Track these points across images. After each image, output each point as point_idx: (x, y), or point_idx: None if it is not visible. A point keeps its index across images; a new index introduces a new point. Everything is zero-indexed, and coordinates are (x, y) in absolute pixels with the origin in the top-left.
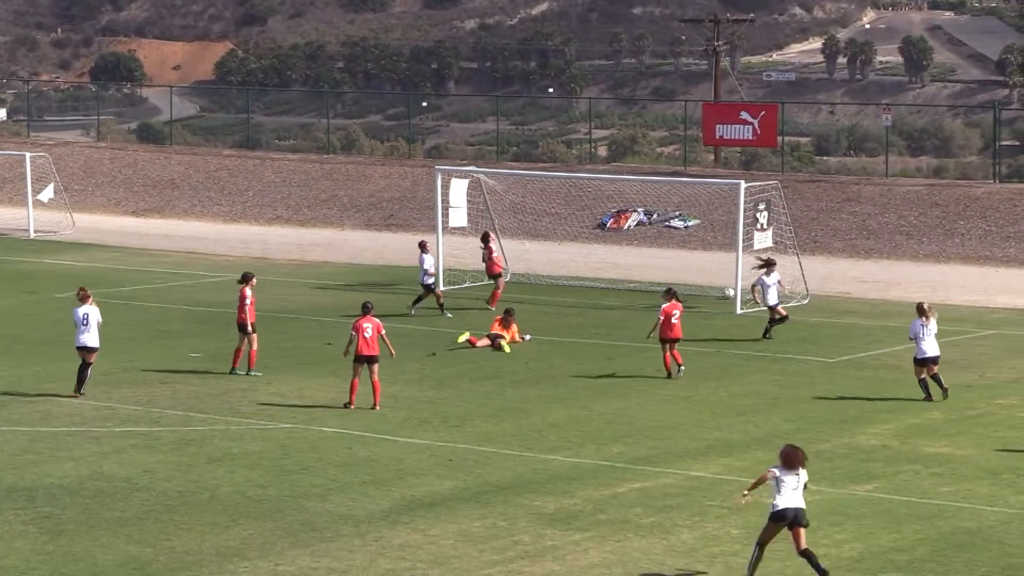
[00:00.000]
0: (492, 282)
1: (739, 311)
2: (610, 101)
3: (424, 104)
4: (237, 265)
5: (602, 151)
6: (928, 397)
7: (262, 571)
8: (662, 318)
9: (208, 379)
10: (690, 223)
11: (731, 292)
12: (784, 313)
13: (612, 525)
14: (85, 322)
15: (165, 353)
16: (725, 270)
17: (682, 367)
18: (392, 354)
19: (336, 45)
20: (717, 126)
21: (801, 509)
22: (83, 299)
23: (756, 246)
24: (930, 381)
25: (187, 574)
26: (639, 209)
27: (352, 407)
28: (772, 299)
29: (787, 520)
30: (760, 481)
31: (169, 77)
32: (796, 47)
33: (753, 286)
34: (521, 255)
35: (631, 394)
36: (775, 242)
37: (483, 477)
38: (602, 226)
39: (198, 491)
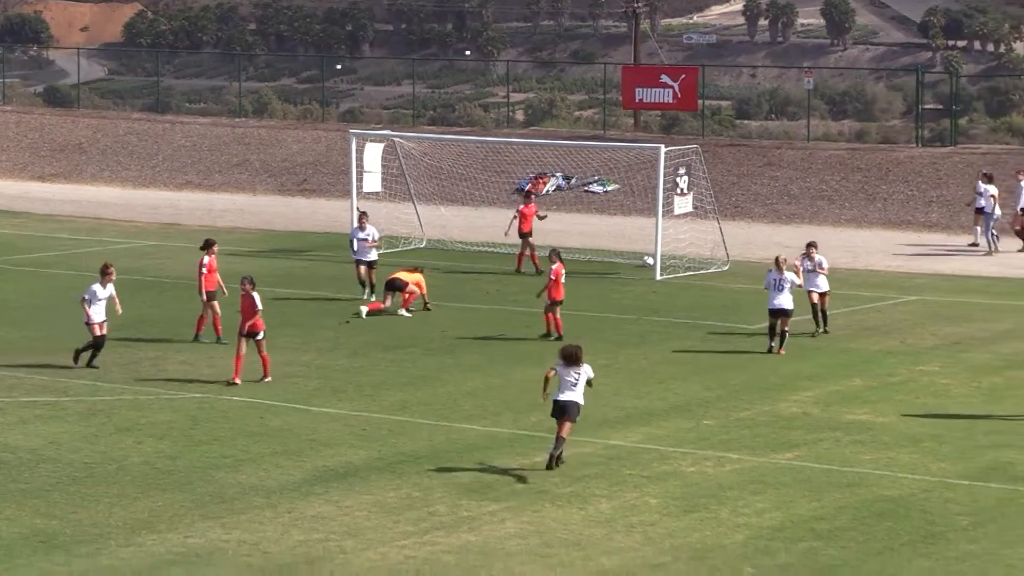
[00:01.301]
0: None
1: (659, 277)
2: (528, 64)
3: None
4: (146, 231)
5: (520, 115)
6: (770, 349)
7: (171, 543)
8: (553, 279)
9: (116, 348)
10: (609, 188)
11: (650, 259)
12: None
13: (529, 495)
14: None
15: (73, 321)
16: (645, 236)
17: (561, 336)
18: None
19: (248, 7)
20: (637, 90)
21: (574, 403)
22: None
23: (676, 211)
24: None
25: (94, 547)
26: (557, 174)
27: (237, 382)
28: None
29: (558, 410)
30: (546, 381)
31: (77, 39)
32: (717, 9)
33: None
34: (437, 220)
35: (549, 361)
36: (695, 207)
37: (398, 447)
38: (520, 191)
39: (105, 462)
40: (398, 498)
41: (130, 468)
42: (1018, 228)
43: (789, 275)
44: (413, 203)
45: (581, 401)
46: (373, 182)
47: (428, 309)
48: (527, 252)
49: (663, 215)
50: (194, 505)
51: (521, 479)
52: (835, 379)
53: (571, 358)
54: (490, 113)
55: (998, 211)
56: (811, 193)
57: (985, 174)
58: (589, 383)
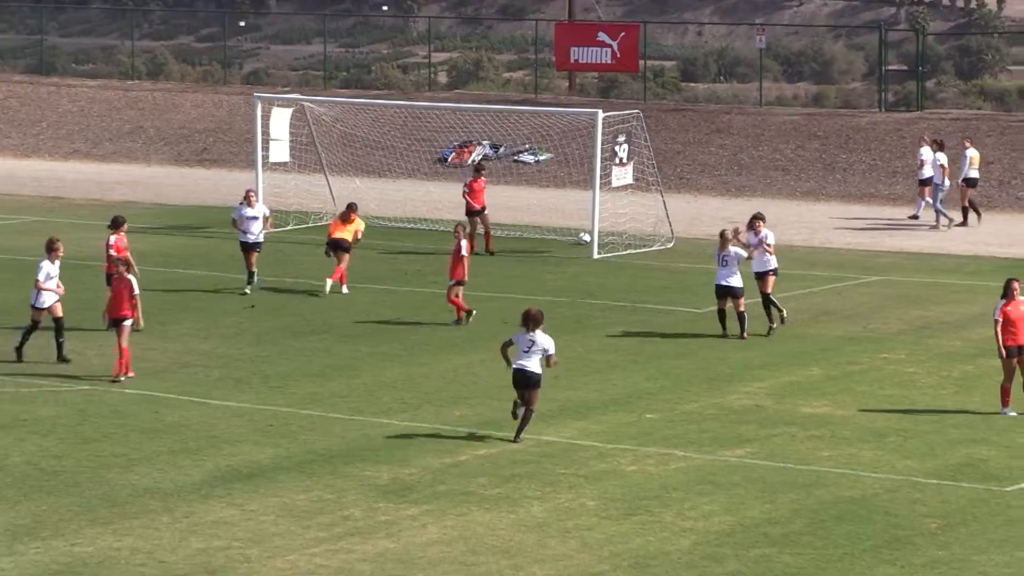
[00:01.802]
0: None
1: (596, 256)
2: (451, 21)
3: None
4: (29, 205)
5: (443, 77)
6: (724, 335)
7: (56, 552)
8: (466, 256)
9: None
10: (541, 157)
11: (586, 236)
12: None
13: (453, 497)
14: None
15: None
16: (580, 210)
17: (460, 320)
18: (139, 325)
19: None
20: (571, 49)
21: (530, 372)
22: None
23: (615, 183)
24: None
25: None
26: (484, 142)
27: (122, 377)
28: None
29: (518, 378)
30: (506, 347)
31: None
32: None
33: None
34: (351, 193)
35: (474, 350)
36: (636, 179)
37: (308, 444)
38: (442, 161)
39: None
40: (308, 501)
41: (10, 468)
42: (966, 204)
43: (734, 249)
44: (324, 174)
45: (537, 370)
46: (280, 151)
47: (357, 240)
48: (481, 231)
49: (600, 187)
50: (82, 509)
51: (445, 479)
52: (790, 368)
53: (526, 319)
54: (410, 75)
55: (947, 182)
56: (764, 163)
57: (935, 140)
58: (548, 360)
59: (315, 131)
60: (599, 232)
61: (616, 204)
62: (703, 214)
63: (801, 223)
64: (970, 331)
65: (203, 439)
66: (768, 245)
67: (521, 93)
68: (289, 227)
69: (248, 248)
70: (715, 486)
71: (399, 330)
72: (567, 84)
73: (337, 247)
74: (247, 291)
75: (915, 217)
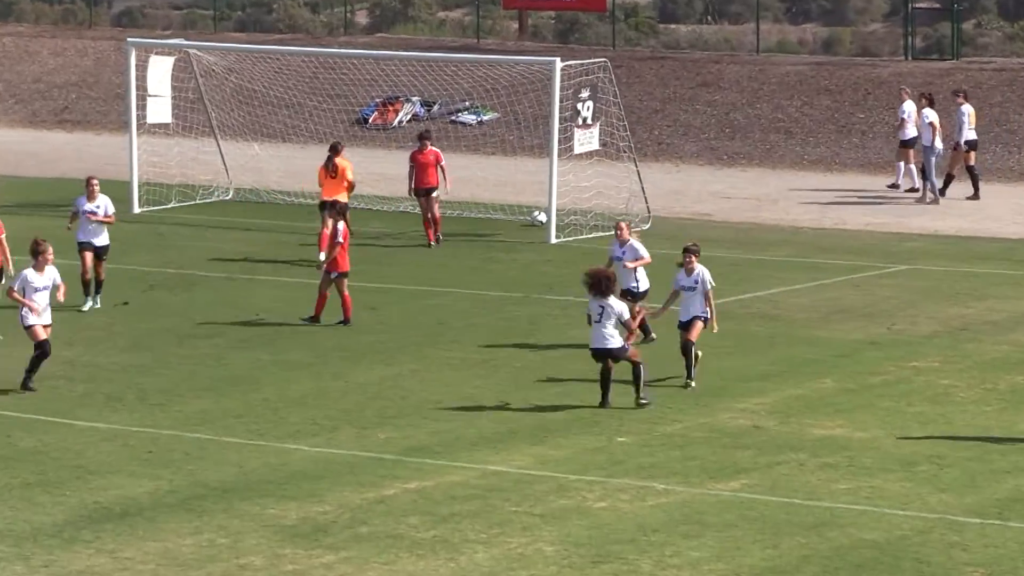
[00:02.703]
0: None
1: (553, 240)
2: None
3: None
4: None
5: (362, 18)
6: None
7: None
8: (342, 242)
9: None
10: (485, 118)
11: (542, 216)
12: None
13: (378, 541)
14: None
15: None
16: (535, 183)
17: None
18: None
19: None
20: None
21: (606, 349)
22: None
23: (577, 149)
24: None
25: None
26: (414, 99)
27: None
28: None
29: (599, 359)
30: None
31: None
32: None
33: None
34: (249, 162)
35: (403, 358)
36: (603, 144)
37: (196, 475)
38: (362, 122)
39: None
40: (197, 546)
41: None
42: (969, 164)
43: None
44: (215, 138)
45: (616, 342)
46: (160, 110)
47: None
48: (431, 215)
49: (560, 155)
50: None
51: (367, 519)
52: (797, 379)
53: (595, 283)
54: (320, 16)
55: (939, 143)
56: (762, 124)
57: (923, 94)
58: (624, 324)
59: (203, 85)
60: (558, 211)
61: (579, 175)
62: (688, 188)
63: (809, 198)
64: (1020, 333)
65: (66, 469)
66: (706, 287)
67: (460, 38)
68: (171, 204)
69: (88, 249)
70: (704, 527)
71: (309, 333)
72: (517, 26)
73: (330, 209)
74: (86, 308)
75: (895, 186)
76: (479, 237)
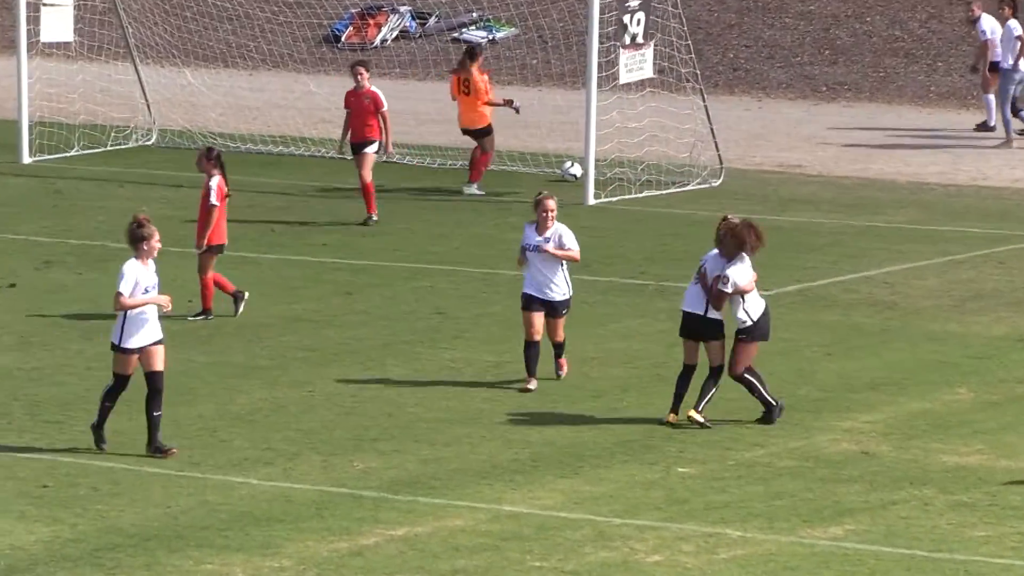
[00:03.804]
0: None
1: (592, 200)
2: None
3: None
4: None
5: None
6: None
7: None
8: (219, 204)
9: None
10: (500, 34)
11: (576, 168)
12: None
13: None
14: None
15: None
16: (566, 125)
17: (206, 314)
18: None
19: None
20: None
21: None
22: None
23: (624, 78)
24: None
25: None
26: (402, 8)
27: None
28: None
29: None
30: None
31: None
32: None
33: None
34: (179, 95)
35: (389, 360)
36: (659, 70)
37: (108, 519)
38: (333, 40)
39: None
40: None
41: None
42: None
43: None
44: (133, 63)
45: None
46: (58, 25)
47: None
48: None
49: (600, 85)
50: None
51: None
52: (921, 389)
53: (735, 238)
54: None
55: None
56: (874, 44)
57: (1003, 2)
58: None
59: None
60: (598, 162)
61: (626, 113)
62: (773, 130)
63: (937, 146)
64: None
65: None
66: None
67: None
68: (74, 152)
69: None
70: None
71: (259, 328)
72: None
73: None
74: None
75: (987, 127)
76: (491, 197)
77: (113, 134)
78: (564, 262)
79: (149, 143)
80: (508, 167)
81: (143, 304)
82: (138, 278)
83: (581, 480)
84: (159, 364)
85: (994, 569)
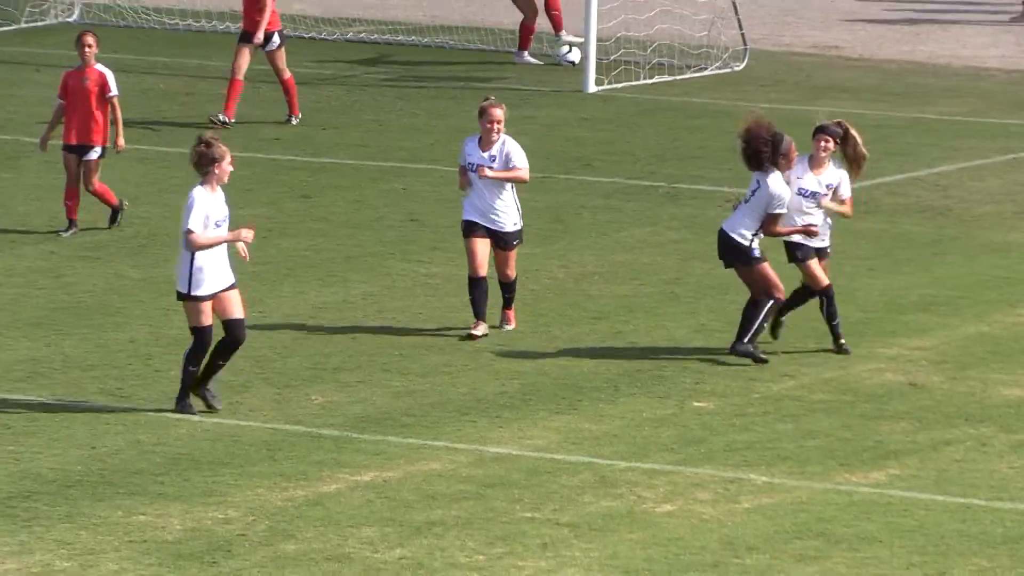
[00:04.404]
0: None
1: (591, 87)
2: None
3: None
4: None
5: None
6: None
7: None
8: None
9: None
10: None
11: (572, 51)
12: None
13: (312, 567)
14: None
15: None
16: None
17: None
18: None
19: None
20: None
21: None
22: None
23: None
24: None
25: None
26: None
27: None
28: None
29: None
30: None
31: None
32: None
33: None
34: None
35: (353, 275)
36: None
37: (22, 463)
38: None
39: None
40: (24, 574)
41: None
42: None
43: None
44: None
45: (742, 238)
46: None
47: None
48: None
49: None
50: None
51: (297, 529)
52: (978, 310)
53: (757, 141)
54: None
55: None
56: None
57: None
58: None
59: None
60: (600, 42)
61: None
62: (806, 4)
63: (998, 23)
64: None
65: None
66: (840, 194)
67: None
68: None
69: None
70: (831, 542)
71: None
72: None
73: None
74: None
75: None
76: (473, 82)
77: (28, 9)
78: (512, 184)
79: (71, 20)
80: (494, 48)
81: (219, 242)
82: (208, 210)
83: (580, 417)
84: (238, 310)
85: None
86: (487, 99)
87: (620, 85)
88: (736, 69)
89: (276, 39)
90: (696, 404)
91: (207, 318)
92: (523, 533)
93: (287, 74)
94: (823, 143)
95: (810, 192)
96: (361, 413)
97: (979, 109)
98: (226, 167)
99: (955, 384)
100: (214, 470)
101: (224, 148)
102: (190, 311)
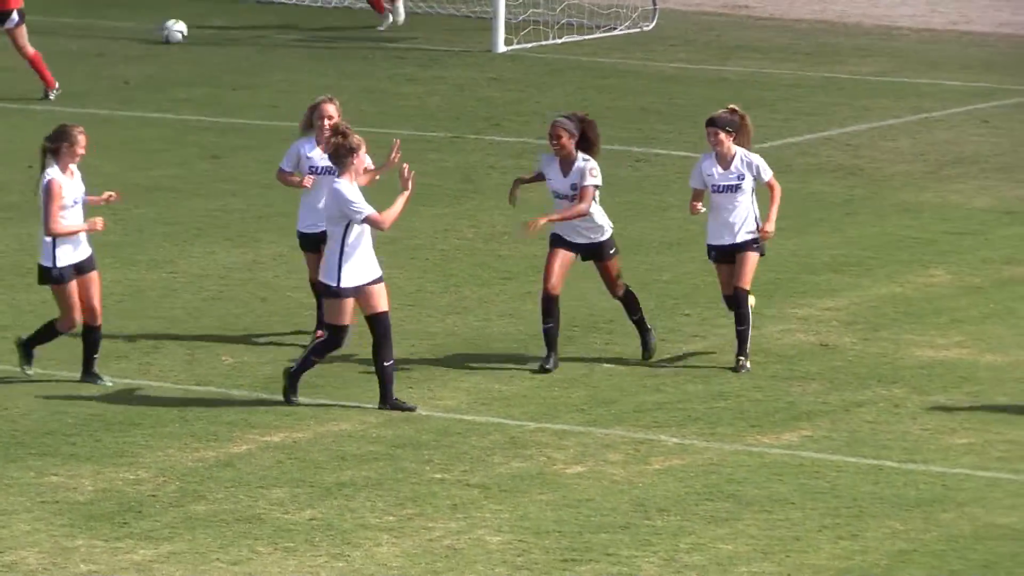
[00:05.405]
0: None
1: (500, 47)
2: None
3: None
4: None
5: None
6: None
7: None
8: None
9: None
10: None
11: (179, 25)
12: None
13: (222, 528)
14: None
15: None
16: None
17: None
18: None
19: None
20: None
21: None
22: None
23: None
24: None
25: None
26: None
27: None
28: None
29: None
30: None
31: None
32: None
33: None
34: None
35: (263, 235)
36: None
37: None
38: None
39: None
40: None
41: None
42: None
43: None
44: None
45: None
46: None
47: None
48: None
49: None
50: None
51: (209, 492)
52: (890, 270)
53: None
54: None
55: None
56: None
57: None
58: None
59: None
60: (508, 1)
61: None
62: None
63: None
64: None
65: None
66: (759, 174)
67: None
68: None
69: None
70: (741, 504)
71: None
72: None
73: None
74: None
75: None
76: (383, 43)
77: None
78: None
79: None
80: (405, 10)
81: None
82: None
83: (489, 378)
84: (383, 303)
85: (978, 484)
86: (320, 97)
87: (529, 45)
88: (646, 29)
89: (15, 16)
90: (606, 365)
91: (348, 316)
92: (433, 494)
93: (30, 50)
94: (712, 136)
95: (724, 187)
96: (271, 374)
97: (890, 68)
98: (363, 156)
99: (867, 345)
100: (125, 431)
101: (359, 138)
102: (332, 307)
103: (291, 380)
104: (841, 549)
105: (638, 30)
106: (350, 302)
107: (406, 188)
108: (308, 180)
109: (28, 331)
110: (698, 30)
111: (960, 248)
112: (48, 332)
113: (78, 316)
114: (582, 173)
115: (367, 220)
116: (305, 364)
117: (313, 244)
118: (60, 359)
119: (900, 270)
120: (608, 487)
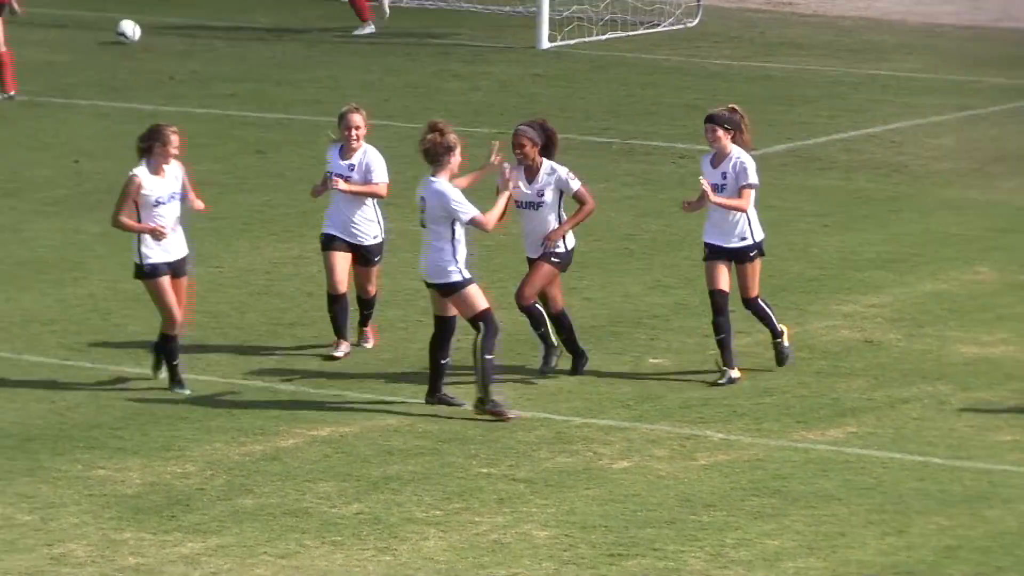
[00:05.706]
0: None
1: (544, 43)
2: None
3: None
4: None
5: None
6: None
7: None
8: None
9: None
10: None
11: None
12: None
13: (270, 522)
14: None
15: None
16: None
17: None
18: None
19: None
20: None
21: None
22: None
23: None
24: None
25: None
26: None
27: None
28: None
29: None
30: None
31: None
32: None
33: None
34: None
35: (308, 231)
36: None
37: None
38: None
39: None
40: None
41: None
42: None
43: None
44: None
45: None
46: None
47: None
48: None
49: None
50: None
51: (254, 486)
52: (935, 268)
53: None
54: None
55: None
56: None
57: None
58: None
59: None
60: None
61: None
62: None
63: None
64: None
65: None
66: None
67: None
68: None
69: None
70: (787, 500)
71: None
72: None
73: None
74: None
75: None
76: (428, 39)
77: None
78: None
79: None
80: (448, 6)
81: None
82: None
83: (535, 373)
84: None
85: (1022, 480)
86: (347, 105)
87: (573, 41)
88: (690, 25)
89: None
90: (652, 361)
91: (484, 298)
92: (479, 488)
93: (3, 48)
94: (709, 133)
95: (712, 185)
96: (318, 369)
97: (933, 65)
98: (458, 156)
99: (912, 342)
100: (173, 424)
101: (456, 136)
102: (468, 297)
103: (485, 393)
104: (887, 545)
105: (682, 27)
106: (477, 287)
107: (506, 188)
108: (337, 183)
109: (81, 325)
110: (742, 27)
111: (1005, 245)
112: (163, 344)
113: (177, 313)
114: (562, 181)
115: (472, 221)
116: (487, 371)
117: (327, 243)
118: (107, 352)
119: (945, 267)
120: (654, 482)
